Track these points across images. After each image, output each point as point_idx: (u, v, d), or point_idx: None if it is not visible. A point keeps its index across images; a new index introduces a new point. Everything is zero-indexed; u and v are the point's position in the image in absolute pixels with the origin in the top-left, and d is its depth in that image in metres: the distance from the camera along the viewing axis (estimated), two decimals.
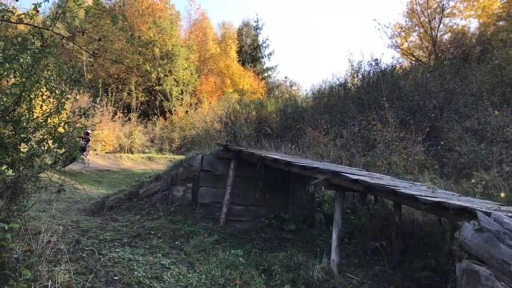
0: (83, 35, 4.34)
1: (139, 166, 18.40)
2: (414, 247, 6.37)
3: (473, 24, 22.71)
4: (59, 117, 4.66)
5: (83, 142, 14.62)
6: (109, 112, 21.63)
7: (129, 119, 23.10)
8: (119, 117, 22.03)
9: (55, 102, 4.67)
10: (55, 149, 4.59)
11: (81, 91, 5.72)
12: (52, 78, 4.50)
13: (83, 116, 4.71)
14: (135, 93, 26.25)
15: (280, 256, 5.85)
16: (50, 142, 4.55)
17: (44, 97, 4.60)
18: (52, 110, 4.57)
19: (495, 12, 20.07)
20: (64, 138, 4.53)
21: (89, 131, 15.04)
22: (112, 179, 14.73)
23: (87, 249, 5.15)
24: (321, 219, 7.99)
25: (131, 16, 27.53)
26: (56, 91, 4.65)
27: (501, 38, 15.00)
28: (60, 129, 4.64)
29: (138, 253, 5.43)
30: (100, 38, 8.62)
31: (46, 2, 4.14)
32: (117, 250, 5.42)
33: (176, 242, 6.19)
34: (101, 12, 4.63)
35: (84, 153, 14.63)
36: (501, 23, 17.29)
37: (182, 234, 6.50)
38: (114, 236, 6.12)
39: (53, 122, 4.56)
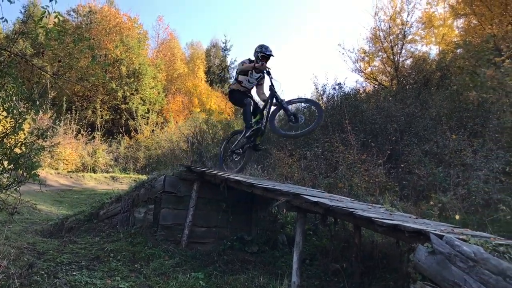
0: (42, 55, 4.30)
1: (102, 186, 18.04)
2: (374, 269, 6.47)
3: (433, 51, 23.56)
4: (16, 137, 4.57)
5: None
6: (73, 130, 21.20)
7: (93, 137, 22.69)
8: (82, 136, 21.61)
9: (12, 122, 4.59)
10: (11, 170, 4.50)
11: (40, 112, 5.63)
12: (9, 98, 4.43)
13: (40, 137, 4.63)
14: (100, 111, 25.87)
15: (241, 278, 5.83)
16: (5, 163, 4.45)
17: (1, 117, 4.52)
18: (9, 131, 4.48)
19: (453, 40, 20.94)
20: (20, 159, 4.44)
21: None
22: (73, 199, 14.38)
23: (42, 272, 5.00)
24: (284, 241, 8.02)
25: (98, 34, 27.29)
26: (14, 111, 4.57)
27: (459, 65, 15.58)
28: (17, 150, 4.55)
29: (96, 276, 5.31)
30: (60, 60, 8.50)
31: (5, 22, 4.10)
32: (74, 273, 5.29)
33: (136, 265, 6.09)
34: (63, 32, 4.61)
35: None
36: (459, 50, 18.04)
37: (142, 257, 6.40)
38: (72, 259, 5.96)
39: (9, 143, 4.47)
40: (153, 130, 25.47)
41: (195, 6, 65.19)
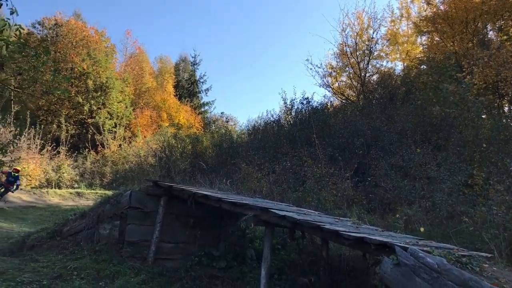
0: (2, 68, 4.18)
1: (67, 202, 17.54)
2: (341, 282, 6.50)
3: (398, 67, 24.21)
4: None
5: (10, 179, 14.66)
6: (37, 145, 20.60)
7: (58, 152, 22.11)
8: (47, 151, 21.03)
9: None
10: None
11: (0, 126, 5.43)
12: None
13: (0, 152, 4.48)
14: (65, 125, 25.28)
15: None
16: None
17: None
18: None
19: (417, 56, 21.55)
20: None
21: (19, 169, 15.08)
22: (36, 216, 13.91)
23: None
24: (252, 255, 7.96)
25: (64, 48, 26.82)
26: None
27: (423, 81, 16.00)
28: None
29: None
30: (21, 72, 8.29)
31: None
32: None
33: (100, 283, 5.93)
34: (25, 45, 4.50)
35: (10, 191, 14.83)
36: (422, 66, 18.56)
37: (107, 274, 6.24)
38: (33, 278, 5.76)
39: None
40: (120, 145, 25.07)
41: (164, 20, 65.08)
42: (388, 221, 8.42)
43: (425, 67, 17.76)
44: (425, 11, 21.23)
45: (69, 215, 8.77)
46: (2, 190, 14.83)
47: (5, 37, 4.03)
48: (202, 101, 41.80)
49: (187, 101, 37.99)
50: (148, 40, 68.52)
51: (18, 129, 19.67)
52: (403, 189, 9.57)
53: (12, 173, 14.62)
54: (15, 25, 4.06)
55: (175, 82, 39.33)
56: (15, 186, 14.89)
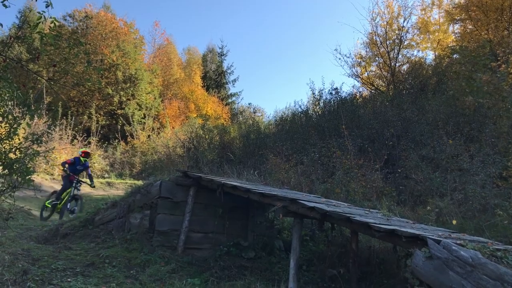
0: (37, 60, 4.27)
1: (98, 191, 17.89)
2: (371, 274, 6.44)
3: (429, 56, 23.65)
4: (10, 142, 4.53)
5: (78, 168, 11.66)
6: (68, 136, 21.08)
7: (89, 143, 22.57)
8: (78, 141, 21.49)
9: (7, 127, 4.55)
10: (6, 175, 4.45)
11: (35, 117, 5.59)
12: (4, 103, 4.39)
13: (35, 142, 4.59)
14: (96, 116, 25.76)
15: (238, 284, 5.79)
16: (0, 168, 4.41)
17: None
18: (4, 136, 4.44)
19: (449, 45, 21.02)
20: (15, 165, 4.40)
21: (89, 152, 12.34)
22: None
23: (37, 278, 4.95)
24: (280, 246, 7.98)
25: (94, 40, 27.25)
26: (9, 116, 4.53)
27: (455, 70, 15.62)
28: (11, 155, 4.51)
29: (91, 282, 5.26)
30: (55, 64, 8.45)
31: (0, 27, 4.07)
32: (69, 279, 5.24)
33: (131, 271, 6.04)
34: (58, 37, 4.58)
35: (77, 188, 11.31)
36: (455, 56, 18.09)
37: (138, 263, 6.35)
38: (67, 265, 5.91)
39: (4, 148, 4.43)
40: (149, 136, 25.39)
41: (192, 11, 65.38)
42: (419, 214, 8.29)
43: (457, 56, 17.29)
44: None
45: (100, 205, 8.97)
46: (61, 203, 10.95)
47: (40, 30, 4.12)
48: (229, 92, 41.95)
49: (214, 92, 38.15)
50: (176, 31, 68.99)
51: (51, 120, 20.16)
52: (434, 181, 9.39)
53: (81, 158, 11.52)
54: (50, 17, 4.15)
55: (202, 73, 39.51)
56: (86, 177, 11.86)
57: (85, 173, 12.17)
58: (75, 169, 11.56)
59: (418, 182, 9.85)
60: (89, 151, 12.36)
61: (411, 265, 3.96)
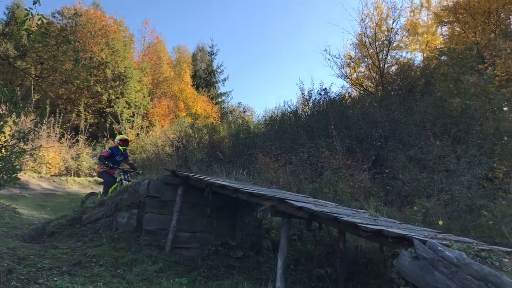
0: (25, 57, 4.24)
1: (86, 190, 17.79)
2: (358, 274, 6.49)
3: (417, 58, 23.84)
4: None
5: (117, 159, 10.37)
6: (56, 133, 20.88)
7: (77, 141, 22.38)
8: (66, 139, 21.31)
9: None
10: None
11: (21, 115, 5.54)
12: None
13: (21, 140, 4.55)
14: (84, 114, 25.58)
15: (225, 284, 5.80)
16: None
17: None
18: None
19: (437, 47, 21.21)
20: (0, 163, 4.36)
21: (127, 138, 11.04)
22: (56, 203, 14.16)
23: (22, 278, 4.91)
24: (269, 246, 8.00)
25: (83, 37, 27.05)
26: None
27: (443, 72, 15.74)
28: None
29: (78, 281, 5.23)
30: (43, 62, 8.38)
31: None
32: (55, 279, 5.20)
33: (118, 271, 6.01)
34: (46, 34, 4.54)
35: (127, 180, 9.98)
36: (442, 57, 18.24)
37: (125, 262, 6.32)
38: (53, 264, 5.87)
39: None
40: (138, 134, 25.25)
41: (182, 10, 65.13)
42: (406, 214, 8.36)
43: (445, 58, 17.45)
44: (446, 0, 20.86)
45: (88, 203, 8.91)
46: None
47: (28, 27, 4.08)
48: (219, 91, 41.93)
49: (204, 91, 38.12)
50: (166, 30, 68.73)
51: (38, 117, 19.96)
52: (421, 182, 9.48)
53: (119, 147, 10.36)
54: (38, 14, 4.11)
55: (192, 72, 39.45)
56: (127, 169, 10.62)
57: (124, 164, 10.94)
58: (115, 160, 10.27)
59: (405, 182, 9.93)
60: (126, 137, 10.93)
61: (397, 265, 4.00)
